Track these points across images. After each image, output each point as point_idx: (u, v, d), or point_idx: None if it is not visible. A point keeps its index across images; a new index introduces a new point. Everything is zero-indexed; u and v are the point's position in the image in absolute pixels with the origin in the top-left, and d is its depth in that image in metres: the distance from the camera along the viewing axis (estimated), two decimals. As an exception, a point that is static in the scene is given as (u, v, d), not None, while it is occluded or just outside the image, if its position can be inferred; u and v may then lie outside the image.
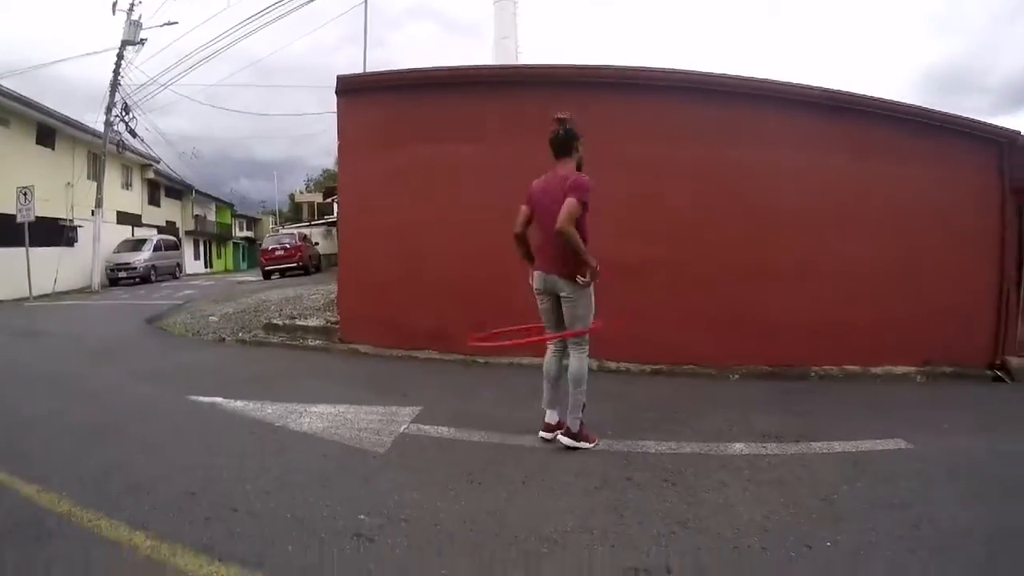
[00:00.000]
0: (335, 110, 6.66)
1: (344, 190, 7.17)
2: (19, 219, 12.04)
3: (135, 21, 16.61)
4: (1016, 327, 6.36)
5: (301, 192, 48.20)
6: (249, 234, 43.97)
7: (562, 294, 3.24)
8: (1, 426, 3.54)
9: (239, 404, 4.01)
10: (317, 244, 23.64)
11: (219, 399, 4.13)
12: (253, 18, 15.57)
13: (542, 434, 3.39)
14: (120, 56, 16.80)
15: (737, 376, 5.66)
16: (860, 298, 6.00)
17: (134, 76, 17.96)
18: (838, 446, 3.53)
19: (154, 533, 2.19)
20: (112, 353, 6.27)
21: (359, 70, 11.06)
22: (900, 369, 6.00)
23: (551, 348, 3.45)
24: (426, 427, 3.62)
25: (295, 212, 47.95)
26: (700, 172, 5.91)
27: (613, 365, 5.74)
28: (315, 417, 3.73)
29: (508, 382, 5.11)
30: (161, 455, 3.06)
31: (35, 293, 12.84)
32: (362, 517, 2.37)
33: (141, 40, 16.85)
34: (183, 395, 4.26)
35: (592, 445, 3.29)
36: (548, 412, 3.43)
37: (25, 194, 12.05)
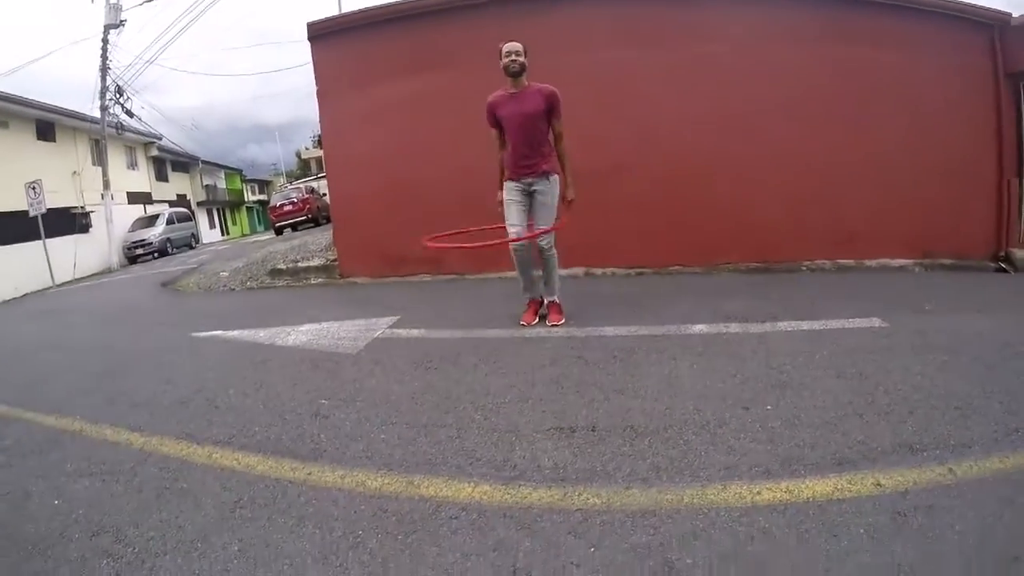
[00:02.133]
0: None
1: (327, 133, 7.26)
2: (31, 213, 12.43)
3: (114, 4, 16.63)
4: (1019, 216, 6.12)
5: (307, 149, 48.18)
6: (262, 197, 44.36)
7: (541, 193, 3.62)
8: (26, 379, 3.98)
9: (234, 333, 4.39)
10: (325, 195, 23.82)
11: (218, 332, 4.51)
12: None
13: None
14: (105, 40, 16.91)
15: (724, 273, 5.71)
16: (852, 189, 5.90)
17: (122, 58, 18.14)
18: (805, 325, 3.45)
19: (148, 432, 2.59)
20: (125, 314, 6.75)
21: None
22: (897, 262, 5.90)
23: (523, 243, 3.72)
24: (399, 331, 3.95)
25: (303, 169, 48.08)
26: (669, 72, 5.81)
27: (599, 271, 5.95)
28: (300, 334, 4.09)
29: (487, 291, 5.37)
30: (160, 379, 3.45)
31: (57, 281, 13.41)
32: (323, 401, 2.73)
33: (121, 21, 16.89)
34: (186, 333, 4.66)
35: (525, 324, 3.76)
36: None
37: (34, 188, 12.42)
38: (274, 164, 51.87)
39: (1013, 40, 5.98)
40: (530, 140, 3.54)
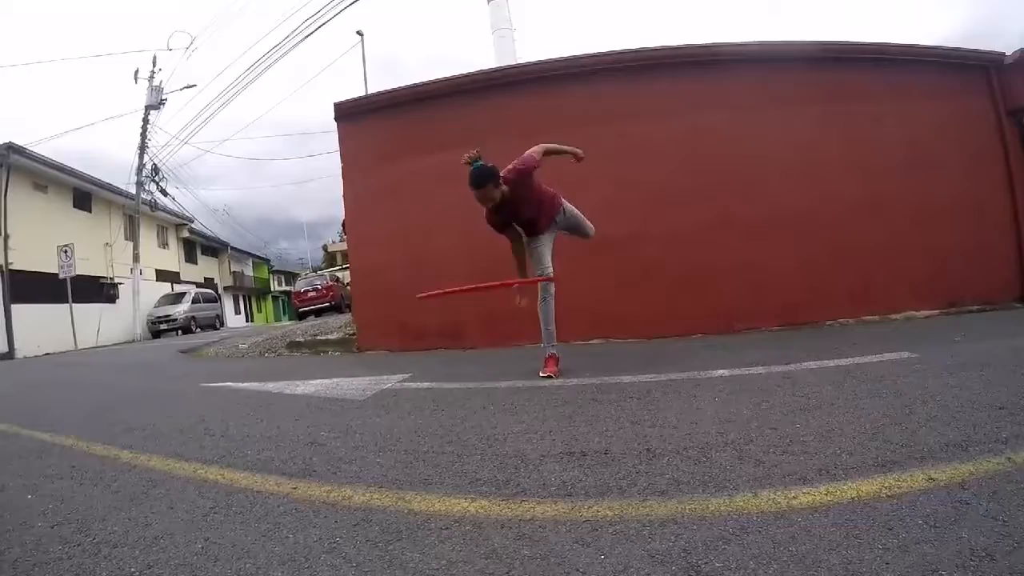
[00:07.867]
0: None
1: (350, 209, 7.52)
2: (61, 275, 12.73)
3: (156, 87, 18.00)
4: None
5: (334, 242, 49.98)
6: (288, 288, 45.46)
7: (570, 216, 3.89)
8: (33, 406, 4.01)
9: (244, 385, 4.33)
10: (348, 285, 24.26)
11: (228, 383, 4.46)
12: (257, 63, 16.64)
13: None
14: (145, 120, 18.16)
15: (746, 334, 5.54)
16: (867, 245, 5.87)
17: (159, 138, 19.46)
18: (832, 363, 3.29)
19: (137, 451, 2.48)
20: (140, 368, 6.81)
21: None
22: (923, 313, 5.78)
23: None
24: (409, 384, 3.81)
25: (328, 261, 49.58)
26: (674, 141, 5.98)
27: (618, 341, 5.82)
28: (309, 387, 3.98)
29: (504, 357, 5.21)
30: (161, 413, 3.38)
31: (79, 346, 13.51)
32: (323, 433, 2.58)
33: (162, 101, 18.21)
34: (197, 384, 4.62)
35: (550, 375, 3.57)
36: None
37: (66, 251, 12.83)
38: (301, 258, 53.72)
39: (1010, 78, 6.14)
40: (532, 211, 3.71)
